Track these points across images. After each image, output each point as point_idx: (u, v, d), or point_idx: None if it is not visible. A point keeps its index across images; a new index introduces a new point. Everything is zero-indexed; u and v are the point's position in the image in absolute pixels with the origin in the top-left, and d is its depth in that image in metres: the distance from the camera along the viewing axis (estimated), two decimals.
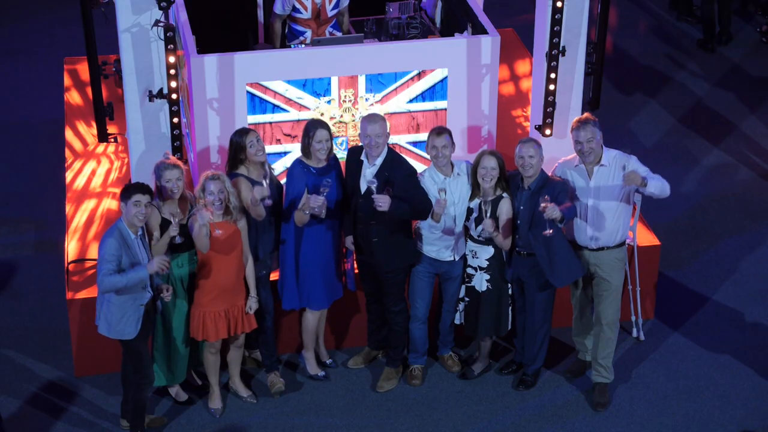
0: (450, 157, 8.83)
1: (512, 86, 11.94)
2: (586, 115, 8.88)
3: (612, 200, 8.80)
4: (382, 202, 8.55)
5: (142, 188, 8.20)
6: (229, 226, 8.58)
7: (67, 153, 11.00)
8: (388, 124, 8.87)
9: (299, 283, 9.01)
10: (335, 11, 10.65)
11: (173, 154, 9.23)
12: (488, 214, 8.70)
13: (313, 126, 8.77)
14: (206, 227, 8.42)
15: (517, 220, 8.81)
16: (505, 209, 8.78)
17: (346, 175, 8.96)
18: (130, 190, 8.20)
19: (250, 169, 8.73)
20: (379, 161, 8.75)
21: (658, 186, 8.68)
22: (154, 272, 8.14)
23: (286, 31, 10.75)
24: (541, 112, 9.74)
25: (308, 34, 10.63)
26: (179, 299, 8.72)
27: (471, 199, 8.90)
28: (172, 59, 8.90)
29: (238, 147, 8.69)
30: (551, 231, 8.54)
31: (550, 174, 8.85)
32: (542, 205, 8.43)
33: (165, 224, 8.50)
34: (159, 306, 8.64)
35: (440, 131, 8.77)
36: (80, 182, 10.59)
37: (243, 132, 8.72)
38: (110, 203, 10.27)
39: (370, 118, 8.76)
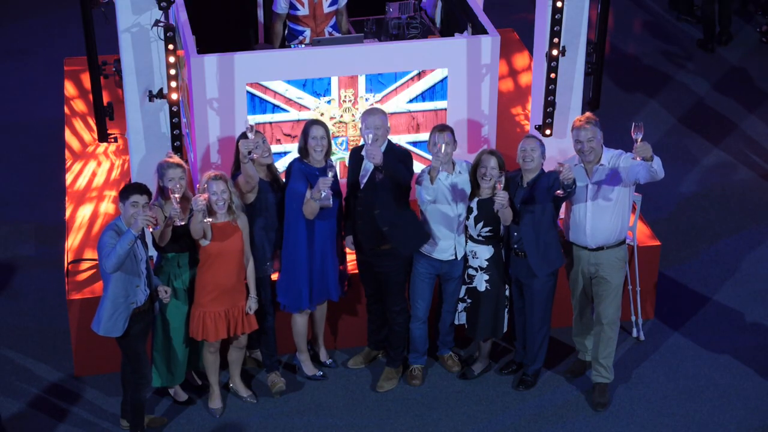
0: (452, 155, 8.84)
1: (512, 86, 11.94)
2: (587, 114, 8.88)
3: (611, 199, 8.80)
4: (375, 153, 8.53)
5: (140, 189, 8.19)
6: (230, 226, 8.58)
7: (67, 153, 11.00)
8: (387, 117, 8.86)
9: (312, 281, 9.00)
10: (333, 8, 10.65)
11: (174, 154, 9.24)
12: (502, 185, 8.61)
13: (309, 124, 8.80)
14: (201, 213, 8.40)
15: (515, 218, 8.80)
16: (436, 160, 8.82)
17: (348, 175, 8.97)
18: (128, 190, 8.20)
19: (257, 170, 8.73)
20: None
21: (659, 166, 8.62)
22: (139, 230, 8.08)
23: (286, 32, 10.75)
24: (541, 112, 9.74)
25: (307, 33, 10.63)
26: (179, 301, 8.71)
27: (470, 198, 8.91)
28: (172, 59, 8.89)
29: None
30: (561, 192, 8.53)
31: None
32: (558, 165, 8.42)
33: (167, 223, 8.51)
34: (157, 307, 8.63)
35: (443, 128, 8.79)
36: (80, 182, 10.59)
37: (249, 129, 8.70)
38: (110, 203, 10.27)
39: (370, 111, 8.81)
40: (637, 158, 8.44)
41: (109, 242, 8.13)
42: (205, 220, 8.44)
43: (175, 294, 8.66)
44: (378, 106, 9.36)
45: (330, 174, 8.54)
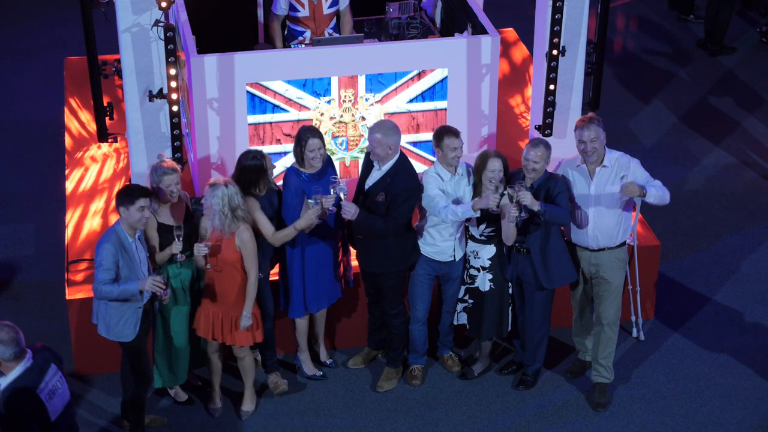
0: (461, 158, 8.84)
1: (513, 86, 11.94)
2: (590, 114, 8.86)
3: (613, 201, 8.79)
4: (348, 210, 8.52)
5: (144, 192, 8.16)
6: (224, 240, 8.49)
7: (67, 153, 11.00)
8: (393, 136, 8.66)
9: (306, 289, 8.99)
10: (332, 9, 10.64)
11: (174, 154, 9.23)
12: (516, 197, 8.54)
13: (305, 134, 8.69)
14: (201, 259, 8.51)
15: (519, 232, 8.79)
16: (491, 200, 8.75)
17: (359, 175, 8.95)
18: (133, 194, 8.10)
19: (261, 189, 8.70)
20: (385, 168, 8.72)
21: (657, 195, 8.72)
22: (145, 290, 8.12)
23: (286, 32, 10.75)
24: (541, 112, 9.74)
25: (307, 34, 10.63)
26: (179, 302, 8.68)
27: (473, 197, 8.88)
28: (172, 59, 8.89)
29: (260, 170, 8.58)
30: (523, 215, 8.50)
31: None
32: (518, 188, 8.43)
33: (161, 228, 8.50)
34: (156, 306, 8.61)
35: (456, 132, 8.72)
36: (80, 182, 10.59)
37: (260, 155, 8.60)
38: (110, 203, 10.27)
39: (373, 127, 8.72)
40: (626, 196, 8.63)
41: (106, 258, 8.07)
42: (205, 267, 8.53)
43: (174, 295, 8.64)
44: (376, 110, 9.34)
45: (334, 190, 8.49)
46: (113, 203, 10.18)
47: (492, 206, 8.52)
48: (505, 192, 8.49)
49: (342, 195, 8.53)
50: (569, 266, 8.90)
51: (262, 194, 8.68)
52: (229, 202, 8.34)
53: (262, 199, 8.67)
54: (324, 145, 8.70)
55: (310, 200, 8.58)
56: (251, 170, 8.58)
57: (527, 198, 8.43)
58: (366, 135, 9.21)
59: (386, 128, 8.68)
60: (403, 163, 8.75)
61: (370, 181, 8.78)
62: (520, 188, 8.47)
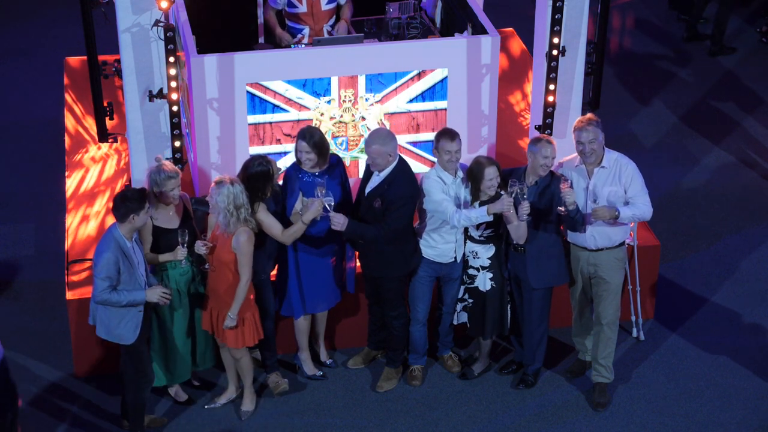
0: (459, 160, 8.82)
1: (512, 86, 11.94)
2: (589, 115, 8.86)
3: (612, 202, 8.78)
4: (337, 221, 8.51)
5: (146, 194, 8.20)
6: (222, 237, 8.49)
7: (67, 153, 11.00)
8: (390, 143, 8.64)
9: (302, 289, 8.99)
10: (331, 5, 10.63)
11: (173, 154, 9.23)
12: (524, 196, 8.57)
13: (298, 135, 8.73)
14: (203, 256, 8.54)
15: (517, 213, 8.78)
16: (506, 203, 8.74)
17: (361, 182, 8.94)
18: (141, 199, 8.12)
19: (267, 193, 8.67)
20: (383, 174, 8.71)
21: (634, 217, 8.76)
22: (151, 301, 8.19)
23: (285, 30, 10.74)
24: (541, 112, 9.74)
25: (306, 31, 10.62)
26: (174, 301, 8.66)
27: (471, 202, 8.88)
28: (172, 59, 8.90)
29: (267, 176, 8.55)
30: (564, 209, 8.56)
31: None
32: (562, 185, 8.47)
33: (157, 231, 8.52)
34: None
35: (453, 135, 8.71)
36: (80, 182, 10.59)
37: (265, 161, 8.56)
38: (110, 203, 10.26)
39: (368, 139, 8.69)
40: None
41: (107, 266, 8.08)
42: (203, 268, 8.56)
43: (172, 301, 8.62)
44: (376, 110, 9.33)
45: (320, 194, 8.44)
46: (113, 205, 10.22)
47: (507, 209, 8.53)
48: (513, 193, 8.50)
49: (328, 206, 8.50)
50: (561, 269, 8.91)
51: (267, 197, 8.68)
52: (234, 200, 8.35)
53: (267, 200, 8.68)
54: (317, 147, 8.65)
55: (305, 198, 8.59)
56: (258, 176, 8.55)
57: (571, 195, 8.47)
58: (366, 135, 9.21)
59: (382, 137, 8.66)
60: (401, 168, 8.73)
61: (369, 187, 8.77)
62: (557, 185, 8.51)
